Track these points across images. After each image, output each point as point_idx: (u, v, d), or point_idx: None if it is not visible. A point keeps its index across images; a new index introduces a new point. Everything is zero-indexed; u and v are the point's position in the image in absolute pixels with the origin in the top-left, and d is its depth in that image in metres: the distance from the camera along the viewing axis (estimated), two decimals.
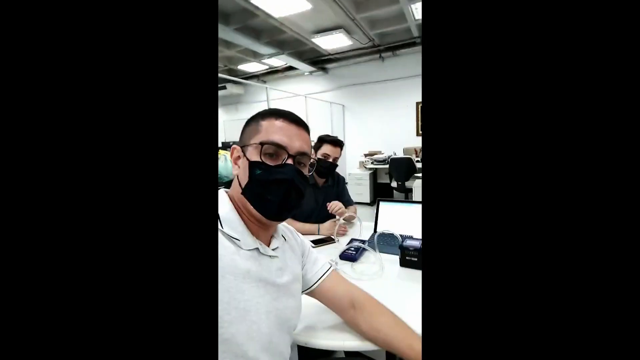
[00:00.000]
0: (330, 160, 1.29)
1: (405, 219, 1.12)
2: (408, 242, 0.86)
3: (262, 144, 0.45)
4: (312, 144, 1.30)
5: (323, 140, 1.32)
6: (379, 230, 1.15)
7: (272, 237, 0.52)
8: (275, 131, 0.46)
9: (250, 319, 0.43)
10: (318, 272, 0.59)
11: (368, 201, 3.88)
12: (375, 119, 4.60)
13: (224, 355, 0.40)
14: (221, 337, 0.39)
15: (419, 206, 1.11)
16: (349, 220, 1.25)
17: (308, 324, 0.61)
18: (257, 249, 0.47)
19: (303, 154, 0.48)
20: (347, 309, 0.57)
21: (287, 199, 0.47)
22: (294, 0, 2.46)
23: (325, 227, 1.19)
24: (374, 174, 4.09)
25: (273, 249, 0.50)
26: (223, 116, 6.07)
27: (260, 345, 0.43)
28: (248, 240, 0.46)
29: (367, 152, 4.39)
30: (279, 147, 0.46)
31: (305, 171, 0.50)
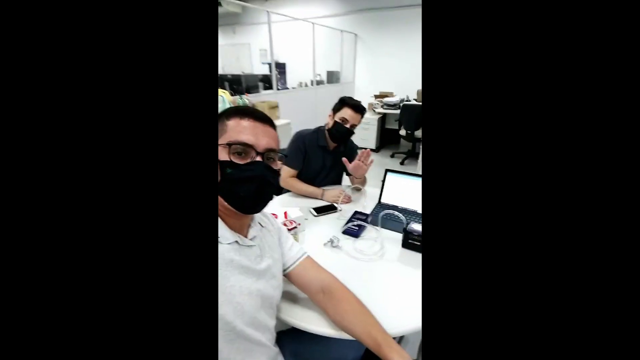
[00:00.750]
0: (348, 126, 1.17)
1: (410, 192, 1.08)
2: (412, 227, 0.84)
3: (229, 144, 0.48)
4: (331, 112, 1.19)
5: (344, 102, 1.18)
6: (383, 201, 1.13)
7: (249, 226, 0.56)
8: (242, 130, 0.49)
9: (235, 301, 0.48)
10: (292, 257, 0.64)
11: (373, 147, 3.78)
12: (391, 53, 4.13)
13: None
14: None
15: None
16: (357, 191, 1.21)
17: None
18: (237, 241, 0.51)
19: (271, 150, 0.51)
20: (317, 293, 0.61)
21: (260, 194, 0.51)
22: None
23: (330, 194, 1.15)
24: (383, 119, 3.87)
25: (251, 239, 0.54)
26: (219, 40, 5.48)
27: (245, 321, 0.49)
28: (227, 234, 0.50)
29: (377, 94, 4.08)
30: (247, 146, 0.49)
31: (275, 165, 0.53)
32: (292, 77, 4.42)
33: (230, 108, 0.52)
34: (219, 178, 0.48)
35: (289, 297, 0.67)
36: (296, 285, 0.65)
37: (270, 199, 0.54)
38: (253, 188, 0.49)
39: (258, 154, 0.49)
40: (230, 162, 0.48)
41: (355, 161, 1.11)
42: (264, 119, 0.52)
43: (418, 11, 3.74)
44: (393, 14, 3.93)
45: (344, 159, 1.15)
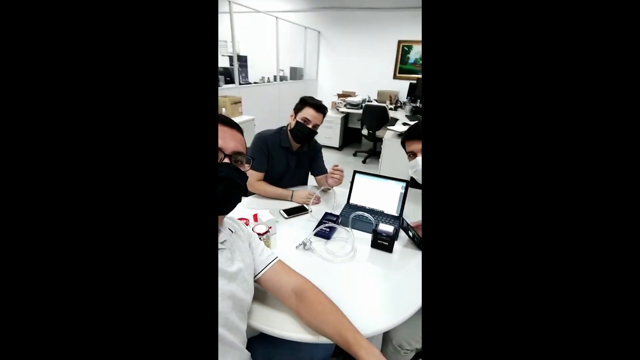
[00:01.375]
0: (310, 126, 1.15)
1: (377, 193, 1.13)
2: (381, 228, 0.88)
3: None
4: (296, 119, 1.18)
5: (305, 102, 1.16)
6: (352, 202, 1.16)
7: (218, 230, 0.57)
8: None
9: None
10: (263, 261, 0.65)
11: (337, 146, 3.85)
12: (352, 53, 4.23)
13: None
14: None
15: (393, 182, 1.11)
16: (326, 192, 1.22)
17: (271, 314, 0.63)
18: None
19: (238, 153, 0.54)
20: (290, 297, 0.61)
21: (229, 194, 0.53)
22: None
23: (300, 196, 1.15)
24: (346, 118, 3.96)
25: (221, 242, 0.56)
26: None
27: (219, 322, 0.50)
28: None
29: (340, 92, 4.15)
30: None
31: (243, 167, 0.56)
32: (254, 72, 4.28)
33: None
34: None
35: (258, 303, 0.66)
36: (268, 290, 0.65)
37: (239, 200, 0.56)
38: (221, 189, 0.51)
39: (226, 156, 0.52)
40: None
41: (332, 179, 1.14)
42: (232, 124, 0.56)
43: (379, 14, 3.88)
44: (356, 14, 4.02)
45: (326, 178, 1.16)
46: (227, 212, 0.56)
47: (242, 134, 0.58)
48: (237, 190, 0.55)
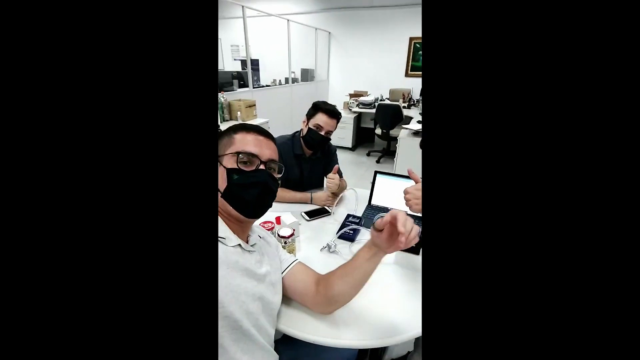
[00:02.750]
0: (323, 133, 1.12)
1: (399, 193, 1.11)
2: None
3: (237, 153, 0.54)
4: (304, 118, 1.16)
5: (318, 107, 1.13)
6: (373, 202, 1.15)
7: (248, 235, 0.61)
8: (248, 143, 0.56)
9: (241, 300, 0.50)
10: (286, 261, 0.68)
11: (350, 146, 3.83)
12: (363, 53, 4.20)
13: (224, 328, 0.48)
14: (222, 314, 0.46)
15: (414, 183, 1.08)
16: (330, 207, 1.15)
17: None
18: (240, 245, 0.55)
19: (272, 160, 0.58)
20: (312, 287, 0.63)
21: (262, 199, 0.56)
22: None
23: (319, 197, 1.14)
24: (358, 118, 3.93)
25: (252, 245, 0.59)
26: None
27: (251, 322, 0.52)
28: (232, 237, 0.54)
29: (352, 92, 4.13)
30: (253, 156, 0.55)
31: (275, 174, 0.59)
32: (265, 75, 4.32)
33: (237, 124, 0.60)
34: (225, 184, 0.53)
35: (282, 305, 0.66)
36: (290, 291, 0.65)
37: (270, 206, 0.59)
38: (256, 193, 0.54)
39: (262, 162, 0.56)
40: (238, 169, 0.54)
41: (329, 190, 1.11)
42: (267, 134, 0.60)
43: (389, 12, 3.84)
44: (366, 13, 3.99)
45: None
46: (259, 216, 0.58)
47: (276, 143, 0.61)
48: (270, 196, 0.58)
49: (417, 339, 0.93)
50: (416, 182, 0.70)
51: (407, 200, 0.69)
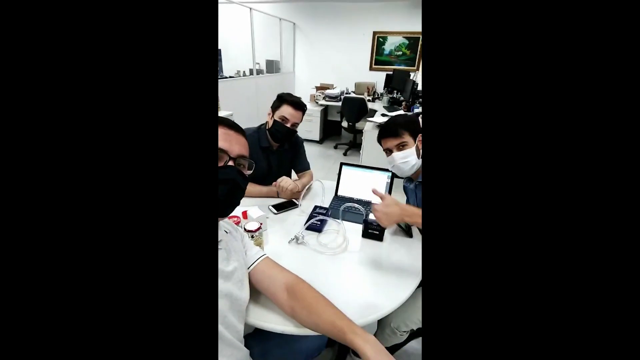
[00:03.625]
0: (289, 125, 1.12)
1: (365, 184, 1.15)
2: (372, 218, 0.89)
3: None
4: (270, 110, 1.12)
5: (283, 99, 1.12)
6: (340, 193, 1.17)
7: None
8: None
9: None
10: (253, 256, 0.66)
11: (317, 139, 3.84)
12: (329, 46, 4.20)
13: None
14: None
15: (379, 173, 1.13)
16: (297, 199, 1.13)
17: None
18: None
19: (242, 156, 0.56)
20: (281, 293, 0.61)
21: (231, 197, 0.53)
22: None
23: (287, 190, 1.14)
24: (325, 110, 3.95)
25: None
26: None
27: (218, 320, 0.51)
28: None
29: (318, 85, 4.13)
30: (222, 152, 0.52)
31: (245, 171, 0.57)
32: (229, 66, 4.14)
33: None
34: None
35: (251, 299, 0.66)
36: (258, 287, 0.64)
37: (238, 204, 0.57)
38: (225, 191, 0.52)
39: (231, 159, 0.53)
40: None
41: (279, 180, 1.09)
42: (237, 128, 0.57)
43: (354, 5, 3.87)
44: (331, 5, 3.98)
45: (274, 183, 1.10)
46: (228, 214, 0.57)
47: (246, 138, 0.58)
48: (239, 193, 0.56)
49: (379, 321, 0.98)
50: (382, 200, 0.78)
51: (377, 218, 0.76)
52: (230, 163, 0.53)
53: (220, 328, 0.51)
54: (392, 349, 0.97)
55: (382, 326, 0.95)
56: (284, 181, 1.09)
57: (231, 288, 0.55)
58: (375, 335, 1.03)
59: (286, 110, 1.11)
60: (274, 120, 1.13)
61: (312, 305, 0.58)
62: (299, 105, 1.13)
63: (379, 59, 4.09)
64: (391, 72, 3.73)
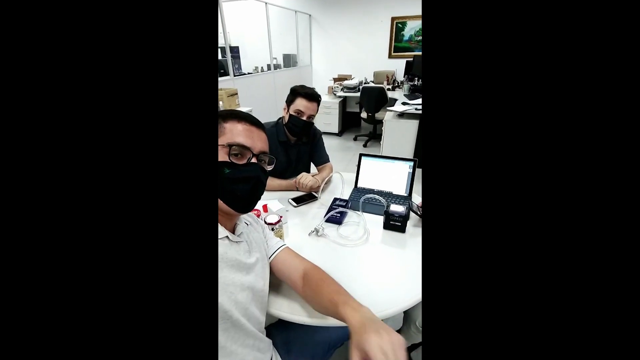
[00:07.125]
0: (304, 118, 1.10)
1: (385, 175, 1.12)
2: (393, 209, 0.87)
3: (229, 145, 0.51)
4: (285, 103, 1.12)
5: (296, 93, 1.10)
6: (359, 185, 1.15)
7: (235, 224, 0.59)
8: (239, 133, 0.53)
9: (229, 291, 0.50)
10: (272, 246, 0.68)
11: (336, 131, 3.80)
12: (345, 36, 4.12)
13: None
14: None
15: (401, 162, 1.10)
16: (317, 192, 1.13)
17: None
18: (227, 237, 0.53)
19: (264, 152, 0.56)
20: (299, 280, 0.61)
21: (254, 194, 0.55)
22: None
23: (304, 184, 1.14)
24: (344, 102, 3.89)
25: (238, 235, 0.57)
26: None
27: (240, 312, 0.52)
28: (219, 230, 0.52)
29: (336, 76, 4.07)
30: (245, 148, 0.53)
31: (266, 167, 0.57)
32: (247, 62, 4.19)
33: (226, 111, 0.56)
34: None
35: (274, 290, 0.67)
36: (279, 276, 0.65)
37: (260, 198, 0.57)
38: (249, 188, 0.53)
39: (254, 155, 0.53)
40: (230, 162, 0.51)
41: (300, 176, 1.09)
42: (258, 124, 0.57)
43: None
44: None
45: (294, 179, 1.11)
46: (250, 210, 0.57)
47: (266, 133, 0.58)
48: (261, 188, 0.56)
49: (404, 318, 0.96)
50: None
51: None
52: (253, 160, 0.53)
53: (243, 320, 0.52)
54: (417, 347, 0.95)
55: (407, 323, 0.94)
56: (303, 178, 1.09)
57: (253, 280, 0.56)
58: (399, 331, 1.02)
59: (300, 103, 1.10)
60: (290, 115, 1.12)
61: (317, 286, 0.57)
62: (312, 96, 1.11)
63: (398, 45, 3.94)
64: (411, 59, 3.59)
